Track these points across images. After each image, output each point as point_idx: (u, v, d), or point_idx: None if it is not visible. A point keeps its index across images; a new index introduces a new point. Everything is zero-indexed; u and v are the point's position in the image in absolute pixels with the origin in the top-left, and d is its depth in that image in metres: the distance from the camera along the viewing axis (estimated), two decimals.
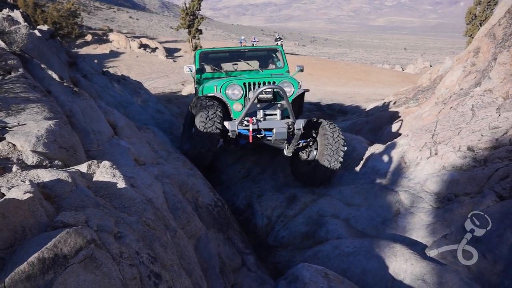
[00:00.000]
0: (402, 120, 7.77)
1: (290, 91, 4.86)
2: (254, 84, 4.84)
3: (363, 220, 4.08)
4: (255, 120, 4.60)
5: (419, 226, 3.61)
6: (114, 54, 23.64)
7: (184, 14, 26.17)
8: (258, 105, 4.72)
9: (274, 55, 6.22)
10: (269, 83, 4.81)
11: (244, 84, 4.84)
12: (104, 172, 2.45)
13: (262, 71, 5.82)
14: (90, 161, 2.49)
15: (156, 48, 26.49)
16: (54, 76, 3.91)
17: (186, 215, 3.07)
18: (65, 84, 3.83)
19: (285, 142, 4.97)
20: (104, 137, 3.56)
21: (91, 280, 1.47)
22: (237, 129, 4.60)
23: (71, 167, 2.48)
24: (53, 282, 1.39)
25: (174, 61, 24.52)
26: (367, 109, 12.02)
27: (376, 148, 5.47)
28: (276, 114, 4.74)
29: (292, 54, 35.90)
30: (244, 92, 4.84)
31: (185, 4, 26.12)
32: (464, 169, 3.83)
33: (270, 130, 4.72)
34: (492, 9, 19.22)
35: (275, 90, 4.69)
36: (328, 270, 2.82)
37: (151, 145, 4.40)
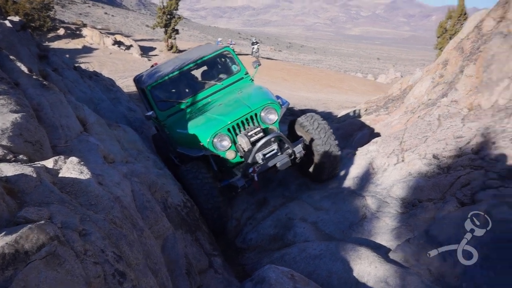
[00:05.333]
0: (372, 128, 7.95)
1: (274, 118, 4.66)
2: (238, 125, 4.49)
3: (330, 223, 4.15)
4: (258, 167, 4.39)
5: (384, 230, 3.71)
6: (87, 50, 23.09)
7: (161, 12, 25.91)
8: (255, 148, 4.36)
9: (226, 59, 5.66)
10: (251, 117, 4.55)
11: (229, 130, 4.47)
12: (71, 168, 2.40)
13: (222, 83, 5.30)
14: (57, 157, 2.44)
15: (131, 45, 26.04)
16: (23, 68, 3.79)
17: (154, 215, 3.04)
18: (34, 77, 3.72)
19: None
20: (73, 133, 3.48)
21: (52, 277, 1.44)
22: (245, 183, 4.44)
23: (36, 162, 2.42)
24: (13, 279, 1.35)
25: (149, 60, 24.17)
26: (339, 116, 12.23)
27: (346, 154, 5.58)
28: (274, 149, 4.47)
29: (268, 58, 36.09)
30: (232, 138, 4.51)
31: (162, 2, 25.87)
32: (428, 176, 3.97)
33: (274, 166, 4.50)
34: (462, 24, 19.94)
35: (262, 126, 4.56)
36: (294, 272, 2.85)
37: (121, 143, 4.32)
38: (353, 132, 8.48)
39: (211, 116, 4.65)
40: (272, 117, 4.66)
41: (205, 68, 5.74)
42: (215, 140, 4.42)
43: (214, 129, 4.42)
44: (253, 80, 5.52)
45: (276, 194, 5.15)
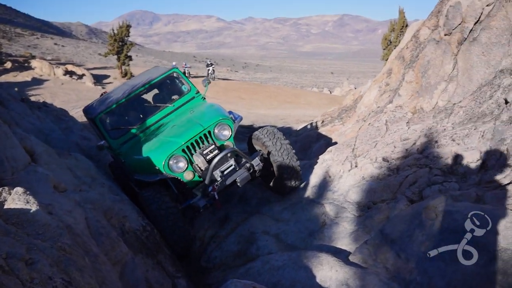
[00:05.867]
0: (329, 138, 8.17)
1: (228, 134, 4.63)
2: (193, 144, 4.44)
3: (292, 234, 4.20)
4: (217, 185, 4.32)
5: (343, 235, 3.80)
6: (37, 82, 22.38)
7: (112, 40, 25.66)
8: (211, 165, 4.31)
9: (175, 80, 5.55)
10: (205, 135, 4.50)
11: (183, 150, 4.40)
12: (16, 199, 2.32)
13: (173, 104, 5.23)
14: (1, 188, 2.35)
15: (83, 75, 25.50)
16: None
17: (110, 241, 2.97)
18: None
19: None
20: (20, 164, 3.36)
21: None
22: (207, 202, 4.38)
23: None
24: None
25: (103, 88, 23.76)
26: (297, 129, 12.47)
27: (304, 164, 5.69)
28: (232, 165, 4.45)
29: (224, 79, 36.38)
30: (188, 158, 4.44)
31: (113, 30, 25.64)
32: (380, 178, 4.12)
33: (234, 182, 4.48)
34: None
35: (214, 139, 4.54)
36: (257, 284, 2.85)
37: (73, 171, 4.21)
38: (310, 144, 8.67)
39: (164, 139, 4.57)
40: (226, 133, 4.64)
41: (155, 91, 5.66)
42: (170, 162, 4.34)
43: (169, 151, 4.34)
44: (204, 99, 5.49)
45: (237, 210, 5.16)
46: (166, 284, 3.49)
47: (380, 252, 3.08)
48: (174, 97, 5.43)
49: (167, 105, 5.24)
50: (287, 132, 15.12)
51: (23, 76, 22.55)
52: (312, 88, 50.01)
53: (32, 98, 12.16)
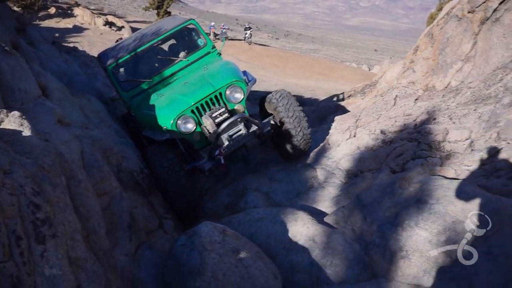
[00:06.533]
0: (346, 110, 8.14)
1: (240, 97, 4.49)
2: (202, 105, 4.35)
3: (280, 193, 4.37)
4: (224, 149, 4.28)
5: (326, 198, 3.93)
6: (78, 30, 22.98)
7: None
8: (220, 129, 4.24)
9: (192, 33, 5.43)
10: (216, 97, 4.40)
11: (193, 111, 4.32)
12: (12, 121, 2.58)
13: (188, 59, 5.13)
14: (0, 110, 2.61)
15: (123, 27, 25.95)
16: None
17: (101, 174, 3.22)
18: None
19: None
20: (30, 96, 3.63)
21: None
22: (212, 166, 4.33)
23: None
24: None
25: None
26: (319, 100, 12.42)
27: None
28: (241, 130, 4.35)
29: (260, 44, 36.01)
30: (196, 119, 4.36)
31: None
32: (373, 149, 4.18)
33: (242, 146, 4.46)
34: None
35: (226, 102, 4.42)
36: (228, 229, 3.06)
37: (84, 111, 4.49)
38: (327, 114, 8.65)
39: (175, 97, 4.51)
40: (238, 96, 4.49)
41: (171, 42, 5.58)
42: (179, 122, 4.26)
43: (178, 111, 4.27)
44: (220, 54, 5.36)
45: (237, 167, 5.35)
46: (153, 222, 3.76)
47: (352, 215, 3.20)
48: (188, 50, 5.32)
49: (181, 59, 5.15)
50: (313, 103, 15.05)
51: (65, 23, 23.19)
52: (351, 63, 48.81)
53: (71, 45, 12.62)
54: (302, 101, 15.87)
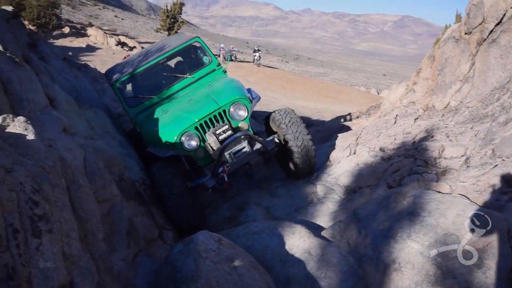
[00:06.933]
0: (350, 130, 8.20)
1: (244, 114, 4.52)
2: (206, 122, 4.40)
3: (280, 208, 4.41)
4: (228, 166, 4.29)
5: (324, 213, 3.96)
6: (91, 49, 23.59)
7: (164, 16, 26.48)
8: (223, 146, 4.26)
9: (198, 50, 5.48)
10: (220, 114, 4.44)
11: (196, 128, 4.37)
12: (17, 125, 2.68)
13: (193, 76, 5.22)
14: (6, 115, 2.72)
15: (134, 47, 26.57)
16: None
17: (103, 181, 3.30)
18: (7, 54, 4.02)
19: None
20: (38, 106, 3.76)
21: None
22: (216, 183, 4.33)
23: None
24: None
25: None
26: (326, 121, 12.52)
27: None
28: (244, 147, 4.38)
29: (269, 67, 36.49)
30: (200, 136, 4.41)
31: (166, 6, 26.45)
32: (372, 165, 4.22)
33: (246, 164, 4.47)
34: None
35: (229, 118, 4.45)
36: (224, 238, 3.10)
37: (90, 123, 4.60)
38: (332, 134, 8.72)
39: (179, 114, 4.54)
40: (242, 114, 4.52)
41: (177, 59, 5.68)
42: (182, 138, 4.30)
43: (181, 128, 4.31)
44: (225, 72, 5.43)
45: (239, 183, 5.39)
46: (153, 232, 3.81)
47: (348, 229, 3.22)
48: (193, 68, 5.37)
49: (186, 76, 5.23)
50: (319, 124, 15.18)
51: (79, 42, 23.83)
52: (360, 87, 49.04)
53: (83, 63, 12.96)
54: (309, 123, 16.00)
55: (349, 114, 11.48)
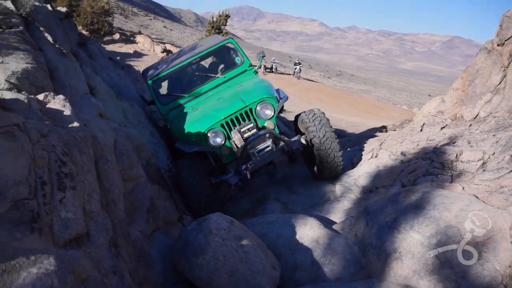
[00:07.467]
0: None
1: (270, 113, 4.60)
2: (232, 120, 4.52)
3: (298, 204, 4.51)
4: (251, 164, 4.36)
5: (339, 210, 4.03)
6: (137, 55, 24.70)
7: (210, 27, 27.26)
8: (247, 144, 4.32)
9: (230, 51, 5.65)
10: (246, 112, 4.55)
11: (222, 125, 4.50)
12: (57, 102, 3.00)
13: (224, 76, 5.37)
14: (47, 93, 3.04)
15: None
16: (49, 38, 4.53)
17: (130, 161, 3.56)
18: (56, 46, 4.44)
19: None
20: (78, 92, 4.11)
21: (6, 145, 1.98)
22: (239, 180, 4.43)
23: (31, 96, 3.03)
24: None
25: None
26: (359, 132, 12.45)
27: None
28: (269, 146, 4.44)
29: (308, 80, 36.54)
30: (226, 133, 4.53)
31: (212, 18, 27.27)
32: (390, 167, 4.25)
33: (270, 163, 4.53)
34: None
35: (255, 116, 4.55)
36: (236, 221, 3.26)
37: (125, 113, 4.93)
38: (361, 142, 8.74)
39: (207, 111, 4.67)
40: (268, 113, 4.58)
41: (210, 59, 5.89)
42: (208, 135, 4.44)
43: (208, 125, 4.44)
44: (257, 73, 5.56)
45: (262, 180, 5.55)
46: (173, 215, 4.03)
47: (357, 223, 3.30)
48: (226, 68, 5.55)
49: (218, 76, 5.38)
50: (349, 135, 15.08)
51: (127, 48, 25.01)
52: (402, 106, 48.00)
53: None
54: (344, 135, 15.89)
55: (383, 126, 11.40)
